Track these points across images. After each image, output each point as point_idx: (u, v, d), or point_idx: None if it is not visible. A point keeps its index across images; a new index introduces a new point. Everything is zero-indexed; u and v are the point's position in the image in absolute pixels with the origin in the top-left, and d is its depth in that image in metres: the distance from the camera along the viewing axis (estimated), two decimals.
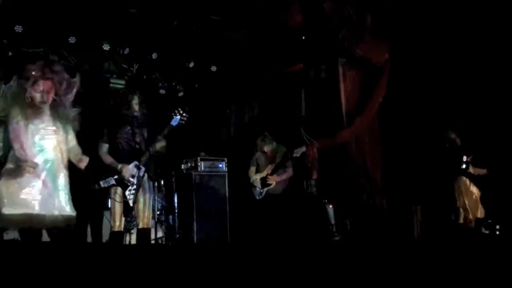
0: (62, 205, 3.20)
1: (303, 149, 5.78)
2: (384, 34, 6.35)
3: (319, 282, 2.98)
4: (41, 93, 3.27)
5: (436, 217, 5.99)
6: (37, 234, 3.08)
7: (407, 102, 6.34)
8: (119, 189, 4.17)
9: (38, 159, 3.19)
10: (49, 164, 3.22)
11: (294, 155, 5.70)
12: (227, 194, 6.37)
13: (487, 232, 5.61)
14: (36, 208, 3.10)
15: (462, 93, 6.04)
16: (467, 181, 5.73)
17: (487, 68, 5.84)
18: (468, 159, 5.59)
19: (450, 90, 6.15)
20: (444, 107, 6.14)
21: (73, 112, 3.45)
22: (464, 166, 5.56)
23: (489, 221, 5.62)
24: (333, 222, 6.67)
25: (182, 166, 6.60)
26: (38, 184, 3.15)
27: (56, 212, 3.16)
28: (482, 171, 5.64)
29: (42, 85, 3.28)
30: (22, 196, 3.10)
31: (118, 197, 4.16)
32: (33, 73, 3.27)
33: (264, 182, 5.76)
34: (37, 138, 3.25)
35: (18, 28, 5.96)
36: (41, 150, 3.23)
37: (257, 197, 5.81)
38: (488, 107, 5.80)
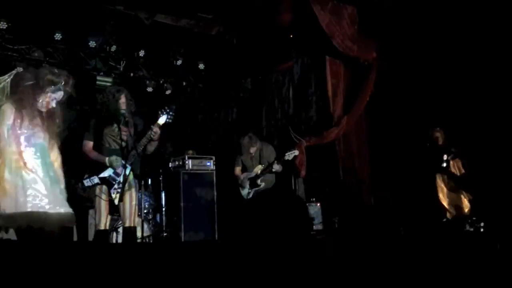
0: (57, 203, 3.15)
1: (295, 152, 5.69)
2: (372, 32, 6.38)
3: (307, 280, 2.99)
4: (53, 100, 3.21)
5: (422, 214, 6.04)
6: (34, 233, 3.03)
7: (394, 100, 6.38)
8: (104, 187, 4.14)
9: (33, 159, 3.15)
10: (42, 164, 3.17)
11: (286, 158, 5.61)
12: (215, 192, 6.35)
13: (471, 229, 5.67)
14: (36, 206, 3.05)
15: (449, 91, 6.09)
16: (447, 178, 5.79)
17: (473, 66, 5.89)
18: (449, 158, 5.63)
19: (437, 88, 6.20)
20: (431, 105, 6.19)
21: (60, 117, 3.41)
22: (444, 164, 5.61)
23: (474, 218, 5.68)
24: (320, 220, 6.68)
25: (170, 164, 6.57)
26: (36, 184, 3.10)
27: (54, 211, 3.12)
28: (459, 163, 5.70)
29: (59, 93, 3.23)
30: (23, 196, 3.05)
31: (103, 196, 4.12)
32: (59, 80, 3.20)
33: (253, 182, 5.73)
34: (31, 140, 3.19)
35: (3, 25, 5.88)
36: (35, 153, 3.18)
37: (245, 197, 5.78)
38: (473, 105, 5.85)
